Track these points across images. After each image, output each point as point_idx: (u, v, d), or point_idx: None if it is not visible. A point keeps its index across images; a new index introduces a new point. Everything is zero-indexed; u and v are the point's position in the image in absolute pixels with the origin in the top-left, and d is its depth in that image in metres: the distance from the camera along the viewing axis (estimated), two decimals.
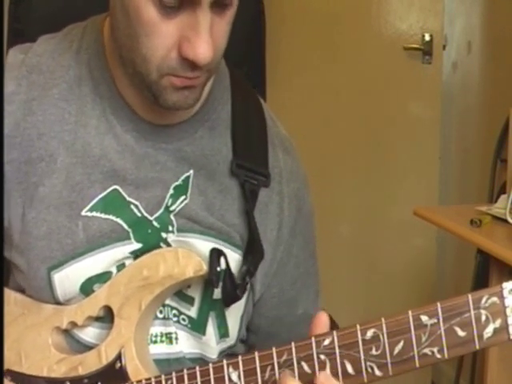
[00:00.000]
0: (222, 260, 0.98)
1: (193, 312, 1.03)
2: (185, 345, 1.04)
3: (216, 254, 0.98)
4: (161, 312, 1.02)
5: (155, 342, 1.03)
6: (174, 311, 1.03)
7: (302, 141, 1.13)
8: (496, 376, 1.84)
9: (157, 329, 1.03)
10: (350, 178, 2.95)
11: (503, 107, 2.21)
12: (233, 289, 0.99)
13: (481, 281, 2.23)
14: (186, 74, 0.90)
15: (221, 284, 0.99)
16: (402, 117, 2.91)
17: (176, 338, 1.03)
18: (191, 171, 1.01)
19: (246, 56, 1.35)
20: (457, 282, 2.93)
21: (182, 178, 1.01)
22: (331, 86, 2.89)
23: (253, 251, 1.01)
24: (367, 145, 2.94)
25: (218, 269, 0.97)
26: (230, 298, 1.00)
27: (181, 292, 1.02)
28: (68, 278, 0.99)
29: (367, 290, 2.95)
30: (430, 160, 2.92)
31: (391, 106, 2.90)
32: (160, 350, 1.03)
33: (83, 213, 0.99)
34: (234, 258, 1.02)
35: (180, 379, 0.92)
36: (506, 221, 1.76)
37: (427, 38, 2.84)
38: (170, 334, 1.03)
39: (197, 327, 1.04)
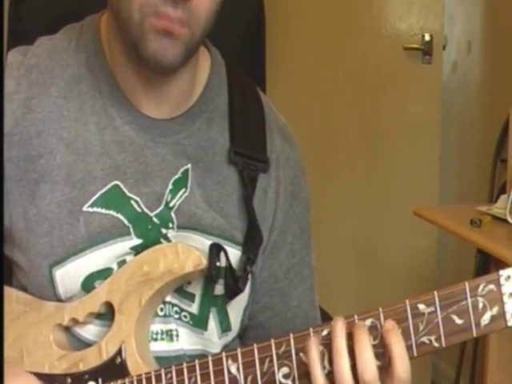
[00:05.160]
0: (222, 255, 0.99)
1: (194, 308, 1.03)
2: (186, 342, 1.04)
3: (216, 249, 0.98)
4: (161, 310, 1.03)
5: (155, 339, 1.03)
6: (176, 308, 1.03)
7: (301, 140, 1.13)
8: (496, 376, 1.84)
9: (157, 326, 1.03)
10: (350, 178, 2.95)
11: (503, 107, 2.21)
12: (234, 283, 1.00)
13: None
14: (167, 10, 0.91)
15: (222, 280, 1.00)
16: (402, 117, 2.91)
17: (176, 336, 1.04)
18: (189, 165, 1.02)
19: (246, 54, 1.35)
20: (457, 282, 2.92)
21: (182, 170, 1.02)
22: (331, 86, 2.89)
23: (252, 238, 1.02)
24: (367, 145, 2.94)
25: (218, 264, 0.98)
26: (231, 292, 1.01)
27: (181, 289, 1.02)
28: (69, 275, 1.00)
29: (367, 290, 2.94)
30: (430, 160, 2.92)
31: (391, 105, 2.90)
32: (160, 347, 1.03)
33: (84, 208, 0.99)
34: (234, 254, 1.02)
35: (179, 372, 0.93)
36: (506, 221, 1.75)
37: (427, 38, 2.84)
38: (171, 331, 1.03)
39: (198, 323, 1.04)
